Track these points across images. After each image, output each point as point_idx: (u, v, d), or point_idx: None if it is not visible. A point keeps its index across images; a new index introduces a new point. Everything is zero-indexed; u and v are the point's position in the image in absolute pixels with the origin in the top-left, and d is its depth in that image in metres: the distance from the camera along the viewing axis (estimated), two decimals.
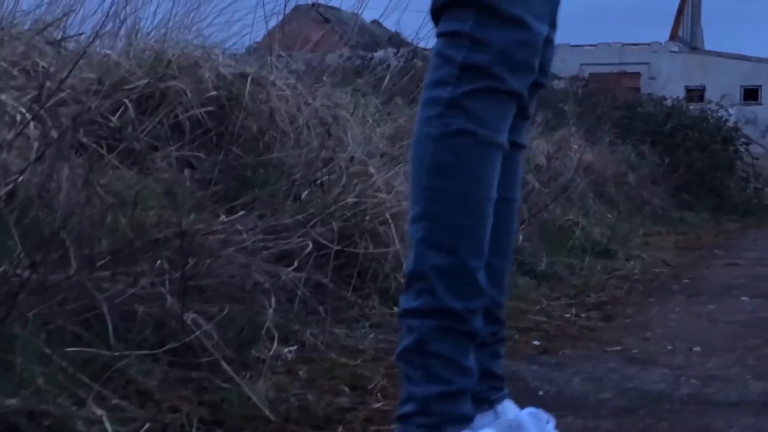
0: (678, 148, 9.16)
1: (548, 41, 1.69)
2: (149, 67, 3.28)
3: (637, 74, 37.39)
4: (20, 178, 2.48)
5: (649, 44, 37.19)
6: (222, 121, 3.37)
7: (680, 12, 38.50)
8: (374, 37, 46.76)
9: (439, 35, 1.52)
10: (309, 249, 2.67)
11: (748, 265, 5.58)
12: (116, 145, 3.19)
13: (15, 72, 3.44)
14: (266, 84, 3.45)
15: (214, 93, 3.33)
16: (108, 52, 3.29)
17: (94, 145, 3.19)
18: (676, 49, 37.12)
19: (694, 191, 9.13)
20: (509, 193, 1.69)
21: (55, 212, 2.50)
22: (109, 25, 3.68)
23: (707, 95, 36.59)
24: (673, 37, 37.88)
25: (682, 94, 36.43)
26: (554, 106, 9.06)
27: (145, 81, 3.26)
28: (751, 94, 36.08)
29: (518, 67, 1.48)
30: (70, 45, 3.79)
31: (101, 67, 3.31)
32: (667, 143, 9.09)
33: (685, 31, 38.81)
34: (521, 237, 4.62)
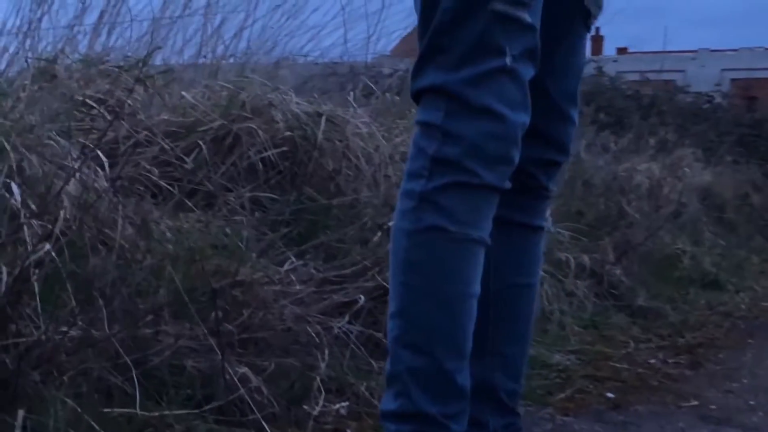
0: None
1: (568, 119, 1.61)
2: (224, 108, 3.30)
3: None
4: (74, 224, 2.52)
5: None
6: (295, 161, 3.36)
7: None
8: None
9: (416, 122, 1.46)
10: (361, 302, 2.63)
11: None
12: (190, 187, 3.23)
13: (101, 110, 3.53)
14: (342, 123, 3.43)
15: (287, 133, 3.32)
16: (184, 94, 3.31)
17: (169, 187, 3.24)
18: None
19: None
20: (527, 278, 1.62)
21: (110, 262, 2.53)
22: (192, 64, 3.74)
23: None
24: None
25: None
26: (676, 124, 8.80)
27: (219, 122, 3.28)
28: None
29: (492, 160, 1.40)
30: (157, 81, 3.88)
31: (178, 108, 3.35)
32: None
33: None
34: (618, 272, 4.49)
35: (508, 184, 1.44)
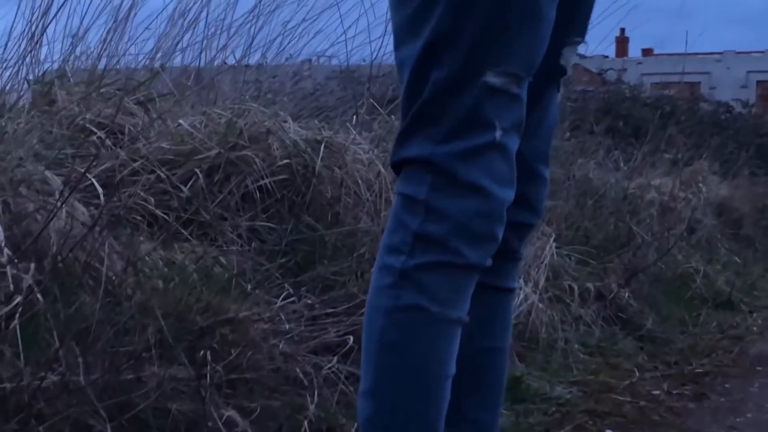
0: None
1: (540, 179, 1.56)
2: (221, 136, 3.26)
3: None
4: (61, 258, 2.50)
5: None
6: (294, 189, 3.33)
7: None
8: None
9: (397, 194, 1.40)
10: (351, 343, 2.59)
11: None
12: (186, 217, 3.20)
13: (101, 134, 3.51)
14: (341, 149, 3.39)
15: (286, 161, 3.29)
16: (181, 122, 3.29)
17: (165, 216, 3.21)
18: None
19: None
20: (498, 342, 1.57)
21: (97, 299, 2.50)
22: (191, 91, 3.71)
23: None
24: None
25: None
26: (695, 134, 8.72)
27: (216, 151, 3.24)
28: None
29: (477, 239, 1.35)
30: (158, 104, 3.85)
31: (175, 136, 3.32)
32: None
33: None
34: (627, 295, 4.43)
35: (489, 261, 1.39)
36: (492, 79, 1.34)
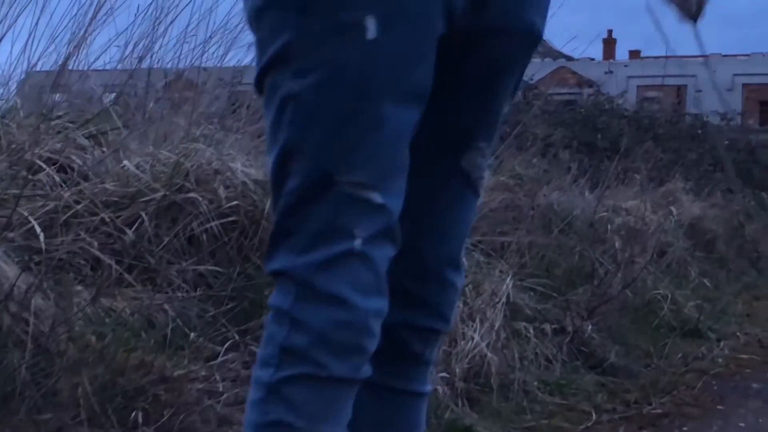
0: None
1: (447, 284, 1.50)
2: (167, 178, 3.20)
3: None
4: None
5: None
6: (242, 231, 3.26)
7: None
8: None
9: (269, 305, 1.35)
10: None
11: None
12: (131, 262, 3.13)
13: (49, 170, 3.44)
14: None
15: (234, 202, 3.23)
16: (126, 163, 3.22)
17: (108, 261, 3.14)
18: None
19: None
20: None
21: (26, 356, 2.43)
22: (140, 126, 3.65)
23: None
24: None
25: None
26: (671, 149, 8.69)
27: (162, 193, 3.18)
28: None
29: (341, 350, 1.29)
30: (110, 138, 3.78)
31: (120, 177, 3.26)
32: None
33: None
34: (590, 328, 4.38)
35: (366, 372, 1.33)
36: (346, 187, 1.30)
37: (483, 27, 1.39)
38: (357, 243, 1.29)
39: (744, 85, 36.36)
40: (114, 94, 4.06)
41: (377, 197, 1.31)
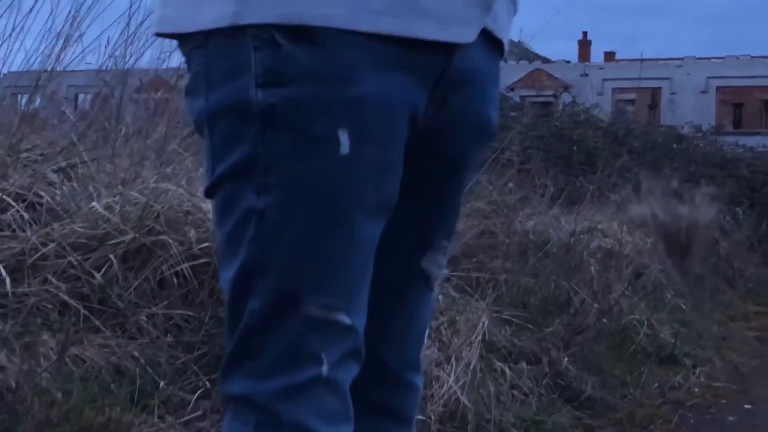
0: None
1: (407, 386, 1.45)
2: (137, 220, 3.13)
3: None
4: None
5: None
6: (213, 274, 3.20)
7: None
8: None
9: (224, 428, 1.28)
10: None
11: None
12: (98, 307, 3.06)
13: (18, 207, 3.36)
14: None
15: (205, 244, 3.16)
16: (95, 204, 3.15)
17: (76, 305, 3.07)
18: None
19: None
20: None
21: None
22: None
23: None
24: None
25: None
26: (647, 163, 8.68)
27: (131, 236, 3.11)
28: None
29: None
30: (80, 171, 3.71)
31: (89, 218, 3.18)
32: (765, 203, 8.55)
33: None
34: (566, 360, 4.34)
35: None
36: (313, 309, 1.22)
37: (442, 125, 1.33)
38: (324, 369, 1.22)
39: (718, 87, 36.62)
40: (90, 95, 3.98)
41: (346, 318, 1.24)
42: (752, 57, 36.59)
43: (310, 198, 1.22)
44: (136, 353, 2.99)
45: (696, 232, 5.43)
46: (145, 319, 3.09)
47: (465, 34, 1.28)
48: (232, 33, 1.22)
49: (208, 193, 1.28)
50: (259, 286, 1.23)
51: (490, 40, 1.34)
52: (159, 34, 1.36)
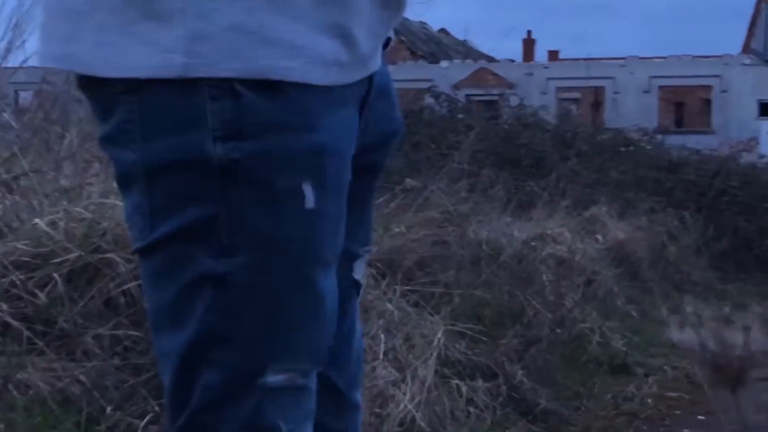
0: (724, 212, 8.67)
1: (356, 407, 1.41)
2: (82, 238, 3.02)
3: (709, 87, 36.59)
4: None
5: (720, 57, 36.35)
6: None
7: (753, 24, 37.56)
8: (441, 46, 46.46)
9: None
10: None
11: None
12: (42, 328, 2.95)
13: None
14: None
15: None
16: (38, 221, 3.04)
17: (19, 326, 2.96)
18: (748, 61, 36.21)
19: (742, 258, 8.63)
20: None
21: None
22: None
23: None
24: (746, 49, 36.98)
25: (754, 107, 35.66)
26: (594, 167, 8.69)
27: (76, 254, 3.00)
28: None
29: None
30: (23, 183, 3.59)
31: (32, 236, 3.07)
32: (712, 206, 8.61)
33: (759, 43, 37.86)
34: (520, 372, 4.30)
35: None
36: (272, 378, 1.13)
37: (366, 141, 1.27)
38: None
39: (660, 87, 37.03)
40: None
41: (307, 381, 1.17)
42: (694, 57, 37.05)
43: (279, 258, 1.13)
44: (82, 377, 2.89)
45: (750, 363, 5.08)
46: (92, 340, 2.99)
47: (377, 62, 1.25)
48: (178, 81, 1.11)
49: (142, 253, 1.16)
50: (219, 358, 1.13)
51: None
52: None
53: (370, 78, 1.24)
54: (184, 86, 1.11)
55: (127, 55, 1.12)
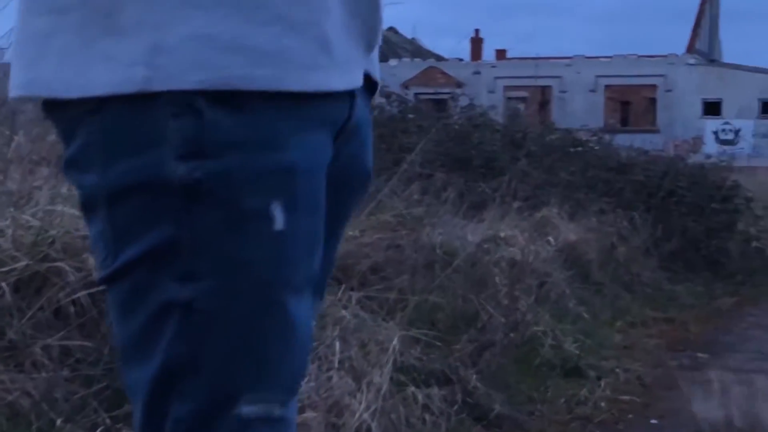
0: (673, 213, 8.73)
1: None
2: (31, 246, 2.95)
3: (654, 86, 37.02)
4: None
5: (665, 56, 36.81)
6: None
7: (698, 24, 38.05)
8: (390, 44, 46.46)
9: None
10: None
11: (731, 383, 5.19)
12: None
13: None
14: None
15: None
16: None
17: None
18: (693, 61, 36.71)
19: (690, 258, 8.71)
20: None
21: None
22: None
23: (724, 108, 36.29)
24: (691, 49, 37.45)
25: (698, 106, 36.18)
26: (544, 167, 8.72)
27: (24, 263, 2.93)
28: None
29: None
30: None
31: None
32: (661, 207, 8.66)
33: (703, 43, 38.37)
34: (474, 377, 4.28)
35: None
36: (246, 409, 1.09)
37: (333, 180, 1.21)
38: None
39: (606, 86, 37.40)
40: None
41: (285, 412, 1.13)
42: (639, 56, 37.48)
43: (246, 282, 1.08)
44: (31, 389, 2.81)
45: None
46: (41, 351, 2.92)
47: (358, 78, 1.19)
48: (140, 98, 1.06)
49: (106, 282, 1.12)
50: (188, 389, 1.08)
51: (367, 82, 1.24)
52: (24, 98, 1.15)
53: (351, 102, 1.19)
54: (145, 103, 1.06)
55: (88, 73, 1.07)
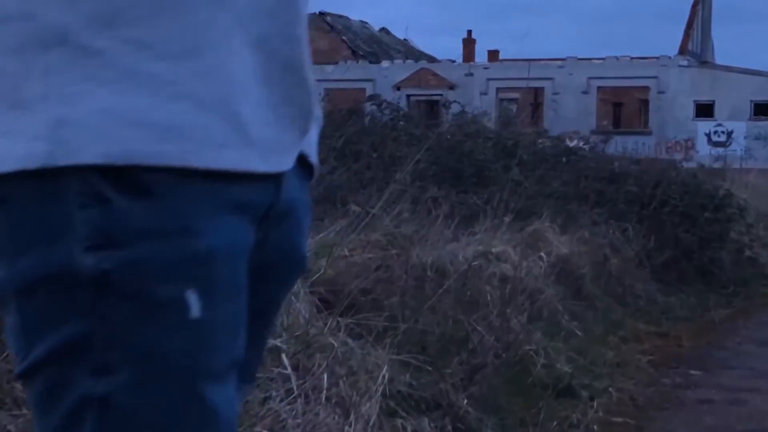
0: (665, 223, 8.68)
1: None
2: None
3: (646, 88, 37.01)
4: None
5: (657, 58, 36.79)
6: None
7: (690, 26, 38.06)
8: (382, 45, 46.47)
9: None
10: None
11: (724, 403, 5.15)
12: None
13: None
14: None
15: None
16: None
17: None
18: (685, 63, 36.69)
19: (683, 269, 8.66)
20: None
21: None
22: None
23: (716, 110, 36.29)
24: (683, 51, 37.45)
25: (691, 108, 36.16)
26: (536, 176, 8.67)
27: None
28: (761, 109, 35.66)
29: None
30: None
31: None
32: (653, 217, 8.61)
33: (695, 45, 38.38)
34: (465, 402, 4.23)
35: None
36: None
37: (262, 264, 1.17)
38: None
39: (599, 88, 37.36)
40: None
41: None
42: (631, 58, 37.47)
43: (162, 374, 1.04)
44: (11, 426, 2.75)
45: None
46: (21, 388, 2.85)
47: (286, 161, 1.14)
48: (46, 182, 1.02)
49: (22, 378, 1.08)
50: None
51: (302, 165, 1.20)
52: None
53: (277, 186, 1.14)
54: (49, 188, 1.02)
55: None
